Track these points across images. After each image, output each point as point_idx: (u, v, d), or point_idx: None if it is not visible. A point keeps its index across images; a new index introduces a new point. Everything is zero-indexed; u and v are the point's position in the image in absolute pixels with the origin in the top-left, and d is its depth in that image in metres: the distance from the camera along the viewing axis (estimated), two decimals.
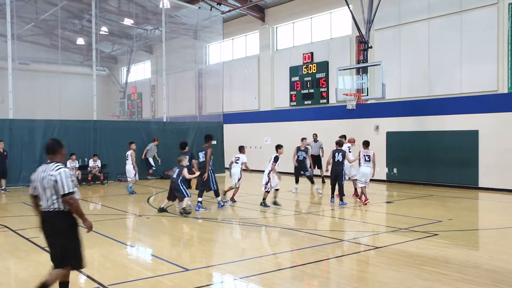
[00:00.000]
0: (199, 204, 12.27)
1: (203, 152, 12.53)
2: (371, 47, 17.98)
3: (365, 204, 12.84)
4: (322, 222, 10.90)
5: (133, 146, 17.09)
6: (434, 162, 17.58)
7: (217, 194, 12.69)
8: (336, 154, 13.27)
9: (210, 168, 12.48)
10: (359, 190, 13.66)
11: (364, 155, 13.06)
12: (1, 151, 16.67)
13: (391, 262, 7.19)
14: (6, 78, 18.60)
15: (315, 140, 19.77)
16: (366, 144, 13.39)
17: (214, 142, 23.10)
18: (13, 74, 18.58)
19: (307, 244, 8.39)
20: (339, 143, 13.77)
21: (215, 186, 12.50)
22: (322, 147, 19.74)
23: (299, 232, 9.59)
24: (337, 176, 13.15)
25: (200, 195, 12.36)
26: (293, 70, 23.40)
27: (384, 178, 19.20)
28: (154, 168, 21.36)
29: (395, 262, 7.20)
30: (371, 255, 7.75)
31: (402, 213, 11.87)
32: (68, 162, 18.70)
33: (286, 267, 7.17)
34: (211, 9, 24.26)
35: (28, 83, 24.88)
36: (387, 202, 14.36)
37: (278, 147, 12.99)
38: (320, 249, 8.12)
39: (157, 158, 21.45)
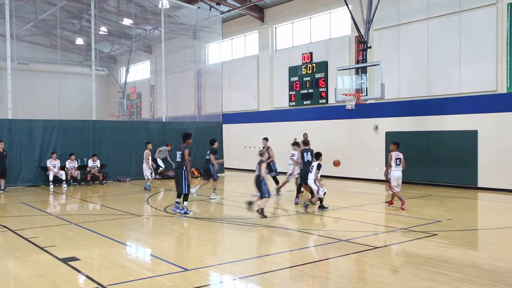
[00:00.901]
0: (176, 205, 11.96)
1: (180, 152, 11.85)
2: (370, 47, 18.00)
3: (403, 208, 12.13)
4: (321, 222, 10.90)
5: (149, 146, 17.33)
6: (433, 162, 17.59)
7: (185, 198, 11.69)
8: (305, 154, 13.17)
9: (183, 170, 11.69)
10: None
11: (396, 158, 12.34)
12: (1, 151, 16.67)
13: (390, 262, 7.20)
14: (5, 78, 18.59)
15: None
16: (396, 145, 12.65)
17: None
18: (12, 74, 18.57)
19: (306, 244, 8.40)
20: (306, 143, 13.68)
21: (186, 190, 11.54)
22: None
23: (298, 232, 9.59)
24: (306, 175, 12.84)
25: (178, 196, 11.88)
26: (292, 70, 23.40)
27: (383, 178, 19.17)
28: (162, 168, 21.32)
29: (395, 262, 7.21)
30: (370, 255, 7.75)
31: (401, 213, 11.88)
32: (67, 162, 18.72)
33: (285, 267, 7.17)
34: (210, 9, 24.26)
35: (27, 83, 24.84)
36: (386, 202, 14.36)
37: (319, 154, 12.64)
38: (319, 249, 8.12)
39: (171, 162, 20.94)
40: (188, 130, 22.69)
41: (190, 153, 11.82)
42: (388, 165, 12.58)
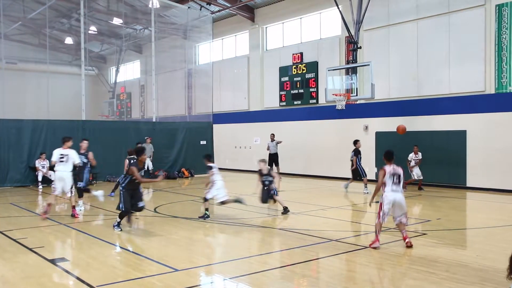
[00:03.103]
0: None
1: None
2: (360, 47, 18.09)
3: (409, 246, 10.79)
4: (311, 222, 10.91)
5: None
6: (422, 162, 17.68)
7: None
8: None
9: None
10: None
11: (392, 175, 8.83)
12: None
13: (380, 262, 7.23)
14: None
15: (272, 140, 20.91)
16: (390, 157, 9.14)
17: (203, 142, 23.15)
18: (0, 74, 18.39)
19: (297, 244, 8.40)
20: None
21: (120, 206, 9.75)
22: (278, 143, 21.06)
23: (288, 232, 9.60)
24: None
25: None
26: (283, 70, 23.44)
27: (374, 178, 19.27)
28: (151, 169, 21.16)
29: (384, 261, 7.24)
30: (360, 254, 7.78)
31: (391, 212, 11.91)
32: None
33: (275, 267, 7.17)
34: (200, 9, 24.21)
35: (16, 83, 24.64)
36: (376, 202, 14.41)
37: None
38: (310, 249, 8.14)
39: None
40: (178, 130, 22.70)
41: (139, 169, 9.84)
42: (378, 185, 8.70)
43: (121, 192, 9.73)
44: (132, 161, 9.82)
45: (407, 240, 8.12)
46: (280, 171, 22.36)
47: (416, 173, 16.51)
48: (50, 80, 22.28)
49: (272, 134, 21.26)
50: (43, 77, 23.63)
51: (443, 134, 17.24)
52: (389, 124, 18.91)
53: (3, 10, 19.65)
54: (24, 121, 18.83)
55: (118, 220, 9.81)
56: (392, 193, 8.34)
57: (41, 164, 18.24)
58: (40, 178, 18.08)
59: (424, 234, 9.17)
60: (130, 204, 9.73)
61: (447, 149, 17.14)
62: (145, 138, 20.80)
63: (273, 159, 20.70)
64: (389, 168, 8.58)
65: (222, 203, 11.20)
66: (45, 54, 23.07)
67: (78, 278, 6.44)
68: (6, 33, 21.80)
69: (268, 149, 21.08)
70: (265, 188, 11.71)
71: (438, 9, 17.51)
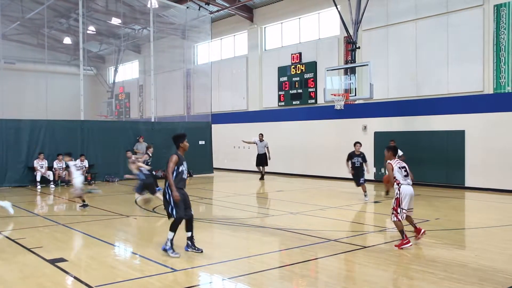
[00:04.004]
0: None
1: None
2: (359, 47, 18.10)
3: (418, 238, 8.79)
4: (310, 222, 10.91)
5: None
6: (421, 162, 17.70)
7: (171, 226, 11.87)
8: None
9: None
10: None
11: (400, 168, 8.41)
12: None
13: (379, 262, 7.23)
14: None
15: (261, 140, 20.84)
16: (393, 150, 8.85)
17: (202, 142, 23.14)
18: None
19: (296, 244, 8.40)
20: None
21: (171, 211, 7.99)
22: (267, 147, 20.80)
23: (287, 232, 9.60)
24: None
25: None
26: (282, 70, 23.44)
27: (372, 178, 19.30)
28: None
29: (383, 261, 7.25)
30: (359, 254, 7.79)
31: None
32: (55, 162, 18.56)
33: (274, 267, 7.17)
34: (199, 9, 24.20)
35: (14, 83, 24.60)
36: (375, 202, 14.43)
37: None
38: (309, 249, 8.14)
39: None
40: (177, 130, 22.63)
41: (177, 162, 7.73)
42: (389, 179, 8.49)
43: (171, 193, 7.51)
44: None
45: (423, 230, 8.28)
46: (279, 172, 22.42)
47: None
48: (49, 80, 22.26)
49: (261, 134, 21.14)
50: (41, 77, 23.60)
51: (442, 134, 17.26)
52: (387, 124, 18.94)
53: (1, 10, 19.65)
54: (23, 121, 18.80)
55: (170, 237, 7.56)
56: (407, 187, 8.30)
57: (39, 164, 18.22)
58: (38, 178, 18.06)
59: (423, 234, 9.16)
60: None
61: (445, 149, 17.15)
62: (137, 138, 20.80)
63: (261, 159, 20.68)
64: (395, 162, 8.50)
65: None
66: (43, 54, 23.03)
67: (76, 278, 6.44)
68: (4, 33, 21.78)
69: (250, 143, 21.13)
70: None
71: (436, 9, 17.53)
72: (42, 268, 6.98)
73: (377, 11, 19.04)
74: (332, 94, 17.36)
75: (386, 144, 18.51)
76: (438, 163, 17.29)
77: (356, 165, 14.01)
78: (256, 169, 21.34)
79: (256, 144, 20.87)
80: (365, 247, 8.16)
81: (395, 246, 7.98)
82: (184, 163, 7.88)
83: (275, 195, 15.15)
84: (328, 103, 18.43)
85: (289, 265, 7.22)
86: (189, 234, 7.85)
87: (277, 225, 10.50)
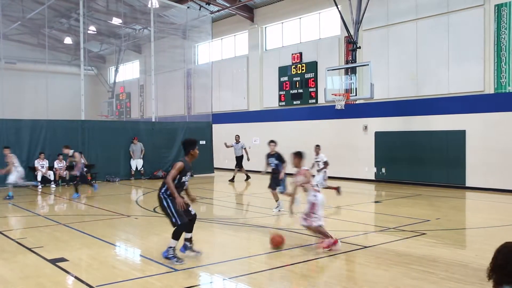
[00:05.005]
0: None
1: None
2: (359, 47, 18.09)
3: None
4: None
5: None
6: (422, 162, 17.72)
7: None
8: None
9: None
10: None
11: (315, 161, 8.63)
12: None
13: (379, 262, 7.23)
14: None
15: (237, 142, 20.82)
16: (300, 156, 8.41)
17: (202, 142, 23.12)
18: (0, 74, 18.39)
19: (296, 244, 8.40)
20: None
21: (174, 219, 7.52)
22: (244, 148, 20.77)
23: (288, 232, 9.60)
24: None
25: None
26: (282, 70, 23.44)
27: (373, 178, 19.32)
28: (141, 168, 21.19)
29: (384, 261, 7.24)
30: (359, 254, 7.78)
31: (390, 212, 11.94)
32: (55, 162, 18.58)
33: (275, 267, 7.17)
34: (200, 9, 24.20)
35: (15, 83, 24.61)
36: (376, 202, 14.44)
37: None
38: (309, 248, 8.13)
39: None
40: (177, 130, 22.65)
41: (182, 170, 7.22)
42: (305, 186, 8.13)
43: (168, 199, 7.16)
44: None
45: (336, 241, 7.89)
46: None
47: (317, 180, 13.40)
48: (49, 80, 22.25)
49: (237, 135, 21.04)
50: (42, 77, 23.60)
51: (442, 134, 17.25)
52: (388, 124, 18.94)
53: (2, 10, 19.64)
54: (23, 121, 18.82)
55: (173, 245, 7.12)
56: (322, 194, 8.21)
57: (40, 164, 18.24)
58: (39, 178, 18.08)
59: (423, 234, 9.17)
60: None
61: (446, 149, 17.15)
62: (132, 138, 20.82)
63: (238, 161, 20.67)
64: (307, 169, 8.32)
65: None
66: (44, 54, 23.03)
67: (77, 278, 6.44)
68: (5, 33, 21.77)
69: (229, 146, 20.78)
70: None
71: (437, 9, 17.52)
72: (43, 268, 6.98)
73: (377, 11, 19.04)
74: (332, 94, 17.37)
75: (387, 144, 18.71)
76: (438, 163, 17.29)
77: (271, 166, 12.35)
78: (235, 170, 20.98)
79: (233, 146, 20.74)
80: (366, 247, 8.15)
81: (323, 248, 7.80)
82: (189, 173, 7.46)
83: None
84: (328, 103, 18.44)
85: (289, 265, 7.21)
86: (189, 235, 7.48)
87: (278, 225, 10.50)
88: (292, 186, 8.11)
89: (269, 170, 12.42)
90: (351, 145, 20.28)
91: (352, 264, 7.49)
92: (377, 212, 12.71)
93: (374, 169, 19.24)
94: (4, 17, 21.05)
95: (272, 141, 12.48)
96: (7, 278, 6.57)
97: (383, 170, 19.03)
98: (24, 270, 6.87)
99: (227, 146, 20.77)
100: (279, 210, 11.88)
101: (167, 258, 7.14)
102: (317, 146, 14.25)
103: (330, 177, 20.41)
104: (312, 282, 6.54)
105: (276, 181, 12.06)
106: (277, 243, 7.95)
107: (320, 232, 8.00)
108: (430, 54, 17.74)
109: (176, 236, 7.13)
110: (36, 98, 24.07)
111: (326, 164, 13.99)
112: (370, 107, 19.61)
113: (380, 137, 19.16)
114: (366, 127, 19.75)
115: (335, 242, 7.85)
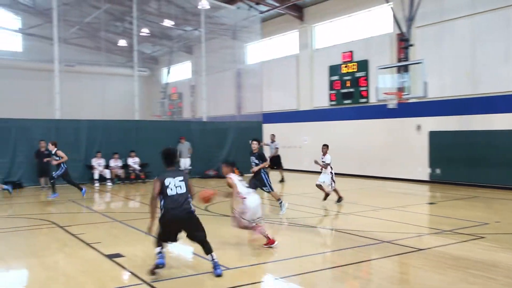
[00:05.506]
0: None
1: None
2: (412, 45, 17.61)
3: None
4: (361, 222, 10.73)
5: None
6: (479, 162, 17.02)
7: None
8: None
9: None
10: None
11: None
12: (43, 150, 17.24)
13: (435, 265, 7.02)
14: (53, 80, 19.25)
15: (272, 141, 20.56)
16: (231, 166, 8.60)
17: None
18: (59, 76, 19.23)
19: (347, 245, 8.30)
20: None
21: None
22: (276, 148, 20.51)
23: (339, 232, 9.51)
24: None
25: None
26: (332, 69, 23.19)
27: (426, 178, 18.77)
28: (190, 168, 21.48)
29: (439, 265, 7.03)
30: (413, 257, 7.59)
31: (445, 214, 11.56)
32: (111, 161, 19.25)
33: (326, 267, 7.12)
34: (249, 9, 24.33)
35: (73, 85, 25.66)
36: (430, 203, 14.03)
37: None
38: (361, 250, 8.01)
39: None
40: (228, 130, 22.86)
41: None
42: (233, 195, 8.20)
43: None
44: None
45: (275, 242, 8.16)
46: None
47: (325, 181, 13.30)
48: (105, 81, 23.07)
49: (272, 135, 20.78)
50: (98, 78, 24.53)
51: (502, 133, 16.49)
52: (443, 123, 18.33)
53: (62, 16, 20.50)
54: (81, 121, 19.55)
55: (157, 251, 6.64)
56: (252, 200, 8.24)
57: (97, 163, 18.93)
58: (96, 176, 18.77)
59: (482, 237, 8.82)
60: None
61: (506, 149, 16.36)
62: (179, 138, 21.00)
63: (273, 161, 19.89)
64: (235, 176, 8.31)
65: None
66: (100, 56, 23.92)
67: (133, 274, 6.63)
68: (64, 37, 22.75)
69: (264, 145, 20.32)
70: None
71: (495, 3, 16.78)
72: (101, 263, 7.25)
73: (431, 7, 18.46)
74: (384, 93, 17.02)
75: (442, 144, 18.14)
76: (497, 164, 16.53)
77: (252, 165, 11.85)
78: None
79: (268, 145, 20.50)
80: (420, 249, 7.93)
81: (263, 245, 8.09)
82: (177, 178, 6.60)
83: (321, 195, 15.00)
84: (380, 102, 18.07)
85: (341, 266, 7.14)
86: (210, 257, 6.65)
87: (329, 226, 10.41)
88: (224, 193, 8.32)
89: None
90: (403, 145, 19.78)
91: (405, 266, 7.32)
92: (431, 214, 12.34)
93: (428, 170, 18.69)
94: (64, 22, 21.97)
95: (254, 139, 12.08)
96: (68, 272, 6.89)
97: (438, 170, 18.45)
98: (84, 265, 7.16)
99: (263, 145, 20.63)
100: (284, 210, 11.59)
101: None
102: (324, 146, 13.60)
103: (382, 178, 20.10)
104: (364, 284, 6.45)
105: (254, 180, 11.63)
106: (206, 198, 7.63)
107: (248, 228, 8.27)
108: (487, 50, 17.02)
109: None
110: (93, 99, 25.02)
111: (326, 166, 13.28)
112: (423, 106, 19.04)
113: (435, 136, 18.58)
114: (419, 127, 19.20)
115: (270, 242, 8.07)
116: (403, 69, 16.92)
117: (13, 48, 29.49)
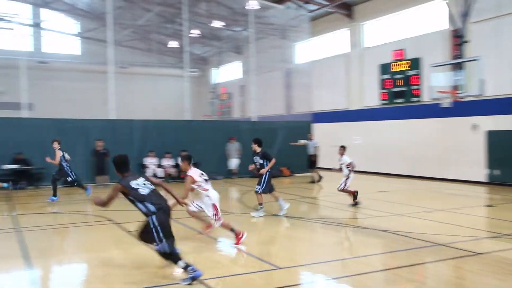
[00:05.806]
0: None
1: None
2: (467, 41, 16.99)
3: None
4: (415, 224, 10.47)
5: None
6: None
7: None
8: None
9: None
10: None
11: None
12: (100, 149, 17.84)
13: (494, 270, 6.75)
14: (108, 81, 19.94)
15: (310, 139, 20.25)
16: (189, 160, 8.86)
17: (304, 141, 23.06)
18: (114, 78, 19.90)
19: (400, 247, 8.13)
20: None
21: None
22: (316, 146, 20.11)
23: (391, 234, 9.31)
24: None
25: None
26: (383, 68, 22.73)
27: (483, 180, 18.05)
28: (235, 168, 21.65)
29: (499, 270, 6.75)
30: (470, 261, 7.33)
31: (505, 217, 11.09)
32: (163, 160, 19.71)
33: (378, 269, 7.00)
34: (298, 8, 24.24)
35: (127, 85, 26.49)
36: (488, 206, 13.49)
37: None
38: (414, 252, 7.82)
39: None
40: (278, 130, 22.86)
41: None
42: (185, 193, 8.26)
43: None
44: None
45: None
46: (379, 171, 21.90)
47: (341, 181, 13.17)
48: (157, 82, 23.64)
49: (309, 133, 20.54)
50: (150, 79, 25.19)
51: None
52: (501, 122, 17.56)
53: (116, 19, 21.21)
54: (135, 121, 20.10)
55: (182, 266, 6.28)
56: (214, 191, 8.59)
57: (150, 162, 19.42)
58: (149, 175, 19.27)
59: None
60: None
61: None
62: (229, 138, 21.21)
63: (310, 160, 20.01)
64: (195, 171, 8.50)
65: None
66: (151, 58, 24.53)
67: (185, 270, 6.74)
68: (118, 40, 23.50)
69: (302, 144, 20.28)
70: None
71: None
72: (154, 259, 7.41)
73: (487, 1, 17.72)
74: (438, 92, 16.51)
75: (501, 144, 17.38)
76: None
77: (257, 166, 11.54)
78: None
79: (307, 144, 20.22)
80: (478, 253, 7.64)
81: (235, 244, 8.25)
82: (139, 179, 6.69)
83: (377, 195, 14.75)
84: (433, 101, 17.55)
85: (394, 268, 7.00)
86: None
87: (380, 227, 10.22)
88: (185, 190, 8.23)
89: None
90: (458, 145, 19.11)
91: (462, 271, 7.08)
92: (489, 216, 11.87)
93: (485, 171, 17.97)
94: (118, 25, 22.70)
95: (254, 140, 11.68)
96: (124, 267, 7.11)
97: (497, 171, 17.69)
98: (138, 260, 7.38)
99: (301, 144, 20.48)
100: (259, 215, 11.27)
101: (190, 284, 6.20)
102: (342, 147, 13.24)
103: (435, 178, 19.51)
104: (418, 287, 6.29)
105: (259, 183, 11.49)
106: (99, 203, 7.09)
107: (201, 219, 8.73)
108: None
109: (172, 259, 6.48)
110: (145, 99, 25.73)
111: (350, 165, 12.96)
112: (480, 104, 18.31)
113: (493, 136, 17.83)
114: (475, 126, 18.50)
115: (242, 235, 8.32)
116: (457, 66, 16.38)
117: (73, 52, 30.89)
